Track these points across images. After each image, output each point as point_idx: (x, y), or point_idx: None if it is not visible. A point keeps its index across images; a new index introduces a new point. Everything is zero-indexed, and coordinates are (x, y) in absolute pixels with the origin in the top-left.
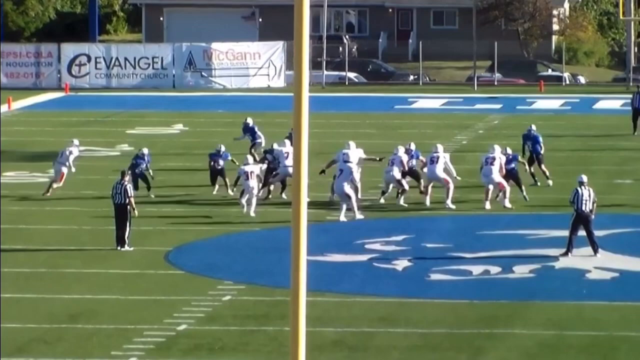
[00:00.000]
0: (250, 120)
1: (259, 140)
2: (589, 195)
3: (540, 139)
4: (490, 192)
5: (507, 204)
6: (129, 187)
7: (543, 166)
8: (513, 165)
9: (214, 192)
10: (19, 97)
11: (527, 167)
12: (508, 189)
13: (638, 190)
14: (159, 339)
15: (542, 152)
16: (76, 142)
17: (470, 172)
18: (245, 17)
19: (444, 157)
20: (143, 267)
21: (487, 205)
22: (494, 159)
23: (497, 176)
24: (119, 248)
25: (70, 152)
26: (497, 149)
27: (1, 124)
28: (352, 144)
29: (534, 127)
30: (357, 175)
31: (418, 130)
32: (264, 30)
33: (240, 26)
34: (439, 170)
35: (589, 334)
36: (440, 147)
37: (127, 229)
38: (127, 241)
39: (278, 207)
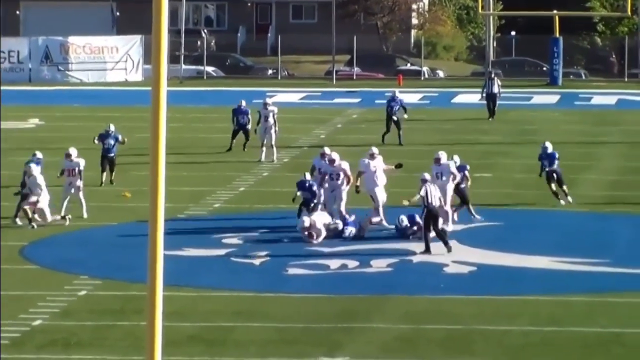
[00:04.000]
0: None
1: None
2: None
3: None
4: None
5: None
6: None
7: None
8: None
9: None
10: None
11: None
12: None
13: (497, 184)
14: (14, 334)
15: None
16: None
17: None
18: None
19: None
20: None
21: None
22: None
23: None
24: None
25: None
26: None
27: None
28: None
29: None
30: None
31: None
32: (121, 24)
33: (97, 20)
34: None
35: (445, 327)
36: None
37: None
38: None
39: (135, 202)
